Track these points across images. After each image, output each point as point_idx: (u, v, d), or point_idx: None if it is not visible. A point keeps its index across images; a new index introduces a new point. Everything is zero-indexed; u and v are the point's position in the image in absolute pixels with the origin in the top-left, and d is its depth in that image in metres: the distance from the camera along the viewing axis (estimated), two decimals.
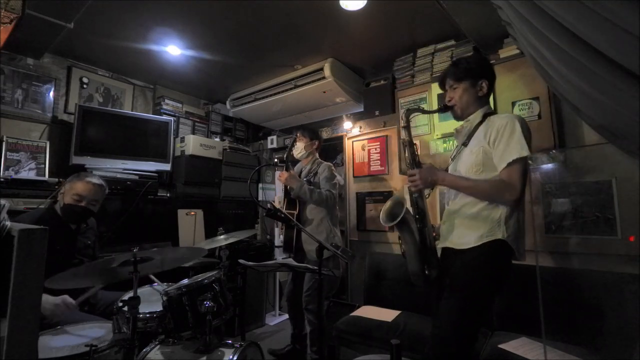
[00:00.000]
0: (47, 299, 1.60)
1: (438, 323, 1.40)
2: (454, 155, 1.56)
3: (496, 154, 1.34)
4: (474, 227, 1.35)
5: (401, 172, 2.71)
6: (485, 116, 1.45)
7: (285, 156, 2.54)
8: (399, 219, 1.42)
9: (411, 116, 1.56)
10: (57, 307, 1.62)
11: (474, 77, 1.47)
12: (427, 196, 1.52)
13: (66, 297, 1.67)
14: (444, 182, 1.44)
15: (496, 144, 1.34)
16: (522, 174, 1.29)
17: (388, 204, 1.53)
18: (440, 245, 1.50)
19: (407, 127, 1.55)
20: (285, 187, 2.47)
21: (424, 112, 1.63)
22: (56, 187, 2.34)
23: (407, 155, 1.54)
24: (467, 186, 1.39)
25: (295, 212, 2.42)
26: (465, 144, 1.47)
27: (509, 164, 1.29)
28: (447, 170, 1.55)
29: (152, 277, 2.01)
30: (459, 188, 1.44)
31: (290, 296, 2.50)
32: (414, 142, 1.57)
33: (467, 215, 1.39)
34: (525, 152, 1.27)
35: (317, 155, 2.61)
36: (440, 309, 1.39)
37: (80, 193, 1.88)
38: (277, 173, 2.55)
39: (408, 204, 1.52)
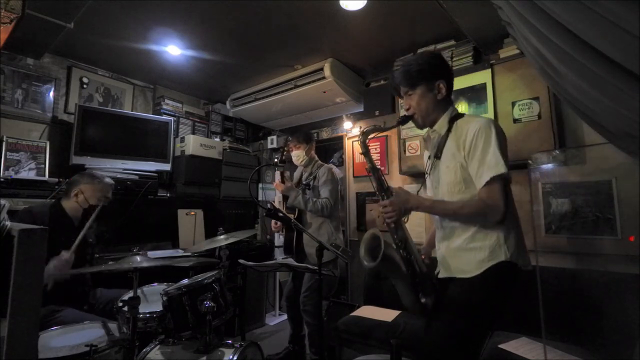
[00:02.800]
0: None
1: (434, 341, 1.30)
2: (429, 168, 1.44)
3: (471, 169, 1.25)
4: (472, 254, 1.25)
5: (401, 172, 2.71)
6: (451, 121, 1.34)
7: (279, 161, 2.50)
8: (379, 258, 1.26)
9: (369, 137, 1.43)
10: (56, 267, 1.67)
11: (428, 79, 1.35)
12: (405, 220, 1.38)
13: (62, 254, 1.72)
14: (419, 209, 1.32)
15: (470, 157, 1.24)
16: (502, 191, 1.19)
17: (365, 238, 1.38)
18: (439, 275, 1.39)
19: (367, 154, 1.43)
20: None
21: (381, 130, 1.47)
22: (56, 187, 2.35)
23: (373, 183, 1.40)
24: (447, 213, 1.31)
25: (294, 216, 2.38)
26: (437, 157, 1.37)
27: (487, 183, 1.19)
28: (425, 183, 1.48)
29: None
30: (438, 214, 1.35)
31: (289, 296, 2.49)
32: (373, 163, 1.42)
33: (461, 242, 1.28)
34: (502, 169, 1.17)
35: (315, 157, 2.59)
36: (437, 331, 1.29)
37: (107, 195, 2.02)
38: (277, 174, 2.54)
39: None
